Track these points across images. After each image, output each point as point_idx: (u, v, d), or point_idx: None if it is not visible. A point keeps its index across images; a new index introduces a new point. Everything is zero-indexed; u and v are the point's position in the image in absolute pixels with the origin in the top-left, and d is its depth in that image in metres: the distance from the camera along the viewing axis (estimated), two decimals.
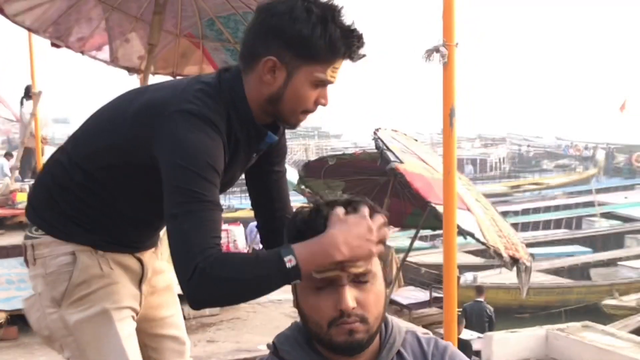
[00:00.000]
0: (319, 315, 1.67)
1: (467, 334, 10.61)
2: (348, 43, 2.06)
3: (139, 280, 2.49)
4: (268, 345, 1.79)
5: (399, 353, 1.77)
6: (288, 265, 1.76)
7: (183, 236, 1.90)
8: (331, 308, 1.65)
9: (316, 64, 2.08)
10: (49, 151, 15.95)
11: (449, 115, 3.99)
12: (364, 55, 2.12)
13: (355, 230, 1.72)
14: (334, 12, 2.04)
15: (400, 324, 1.84)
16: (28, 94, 11.75)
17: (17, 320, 5.03)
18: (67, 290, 2.33)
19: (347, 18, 2.06)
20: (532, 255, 8.39)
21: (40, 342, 4.88)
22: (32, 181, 10.34)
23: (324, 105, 2.17)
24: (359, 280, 1.68)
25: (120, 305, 2.38)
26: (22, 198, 8.66)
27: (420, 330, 1.92)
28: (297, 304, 1.76)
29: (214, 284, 1.84)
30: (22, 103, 12.36)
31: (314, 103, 2.16)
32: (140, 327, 2.53)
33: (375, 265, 1.73)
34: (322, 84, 2.12)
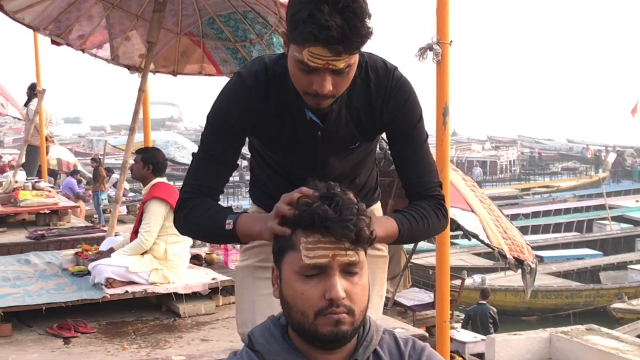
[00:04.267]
0: (306, 304, 1.64)
1: (470, 336, 10.57)
2: (306, 30, 1.99)
3: None
4: (243, 339, 1.77)
5: (375, 352, 1.74)
6: (227, 227, 2.21)
7: (187, 173, 2.44)
8: (319, 297, 1.63)
9: (294, 44, 2.08)
10: (55, 150, 15.97)
11: (442, 114, 3.95)
12: (337, 49, 2.00)
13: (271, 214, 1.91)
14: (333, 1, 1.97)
15: (378, 323, 1.81)
16: (33, 91, 11.73)
17: (11, 317, 5.01)
18: None
19: (358, 12, 1.97)
20: (540, 257, 8.33)
21: (33, 339, 4.89)
22: (35, 179, 10.30)
23: (317, 92, 2.10)
24: (349, 271, 1.65)
25: (266, 265, 2.57)
26: (24, 196, 8.55)
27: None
28: (280, 292, 1.73)
29: (182, 219, 2.37)
30: (27, 101, 12.33)
31: (311, 86, 2.11)
32: None
33: (363, 258, 1.69)
34: (305, 66, 2.06)
